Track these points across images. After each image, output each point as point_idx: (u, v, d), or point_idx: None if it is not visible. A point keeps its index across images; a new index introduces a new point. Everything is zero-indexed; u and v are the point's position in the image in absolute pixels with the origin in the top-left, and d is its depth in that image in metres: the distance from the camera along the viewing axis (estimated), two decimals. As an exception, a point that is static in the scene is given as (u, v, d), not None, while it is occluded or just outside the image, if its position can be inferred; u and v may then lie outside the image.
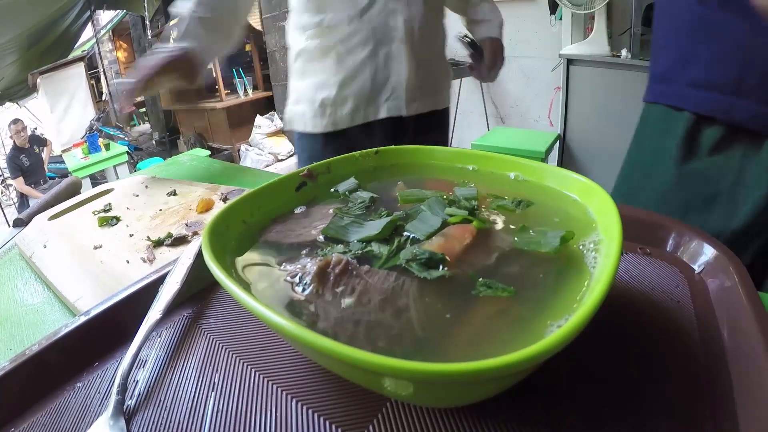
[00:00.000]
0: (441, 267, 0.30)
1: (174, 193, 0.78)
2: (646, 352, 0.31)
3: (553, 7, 2.90)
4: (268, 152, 4.79)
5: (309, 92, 0.93)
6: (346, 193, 0.43)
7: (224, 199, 0.72)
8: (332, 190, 0.44)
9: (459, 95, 3.58)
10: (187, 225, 0.64)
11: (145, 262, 0.56)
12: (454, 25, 1.06)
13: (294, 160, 4.82)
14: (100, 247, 0.62)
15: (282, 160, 4.80)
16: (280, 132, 4.96)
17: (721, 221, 0.58)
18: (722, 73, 0.57)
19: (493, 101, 3.57)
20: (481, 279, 0.28)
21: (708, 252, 0.39)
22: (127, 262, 0.56)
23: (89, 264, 0.58)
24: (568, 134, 2.84)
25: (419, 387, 0.22)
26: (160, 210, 0.71)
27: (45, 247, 0.65)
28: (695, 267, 0.40)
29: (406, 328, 0.25)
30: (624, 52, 2.40)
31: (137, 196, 0.79)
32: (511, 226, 0.36)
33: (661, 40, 0.66)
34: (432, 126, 1.00)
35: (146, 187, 0.82)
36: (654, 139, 0.66)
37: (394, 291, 0.27)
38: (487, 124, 3.55)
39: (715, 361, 0.30)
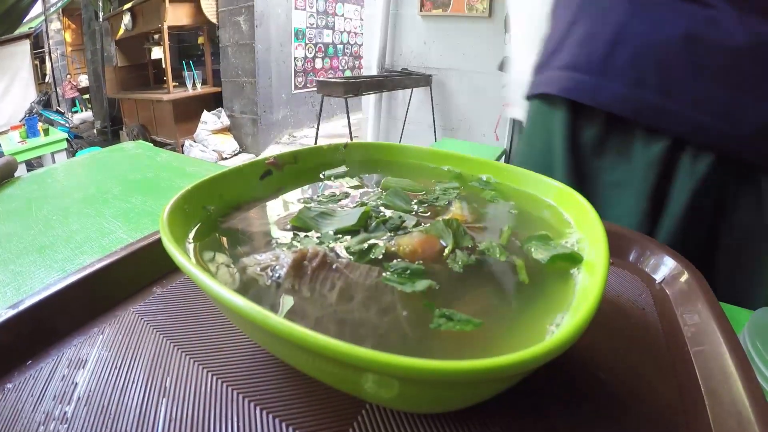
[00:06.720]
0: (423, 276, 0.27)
1: None
2: (617, 356, 0.31)
3: (509, 26, 2.99)
4: (213, 149, 4.63)
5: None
6: (332, 178, 0.43)
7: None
8: (321, 174, 0.43)
9: (409, 105, 3.61)
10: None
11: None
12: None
13: (238, 159, 4.66)
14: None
15: (226, 158, 4.65)
16: (226, 129, 4.81)
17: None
18: (591, 51, 0.51)
19: (442, 114, 3.62)
20: (437, 310, 0.24)
21: (667, 262, 0.41)
22: None
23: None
24: (514, 150, 2.94)
25: (409, 389, 0.20)
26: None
27: None
28: (656, 276, 0.41)
29: (393, 327, 0.23)
30: (571, 75, 2.52)
31: None
32: (493, 226, 0.35)
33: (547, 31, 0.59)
34: None
35: None
36: (538, 137, 0.59)
37: (377, 288, 0.25)
38: (435, 135, 3.60)
39: (682, 362, 0.31)
